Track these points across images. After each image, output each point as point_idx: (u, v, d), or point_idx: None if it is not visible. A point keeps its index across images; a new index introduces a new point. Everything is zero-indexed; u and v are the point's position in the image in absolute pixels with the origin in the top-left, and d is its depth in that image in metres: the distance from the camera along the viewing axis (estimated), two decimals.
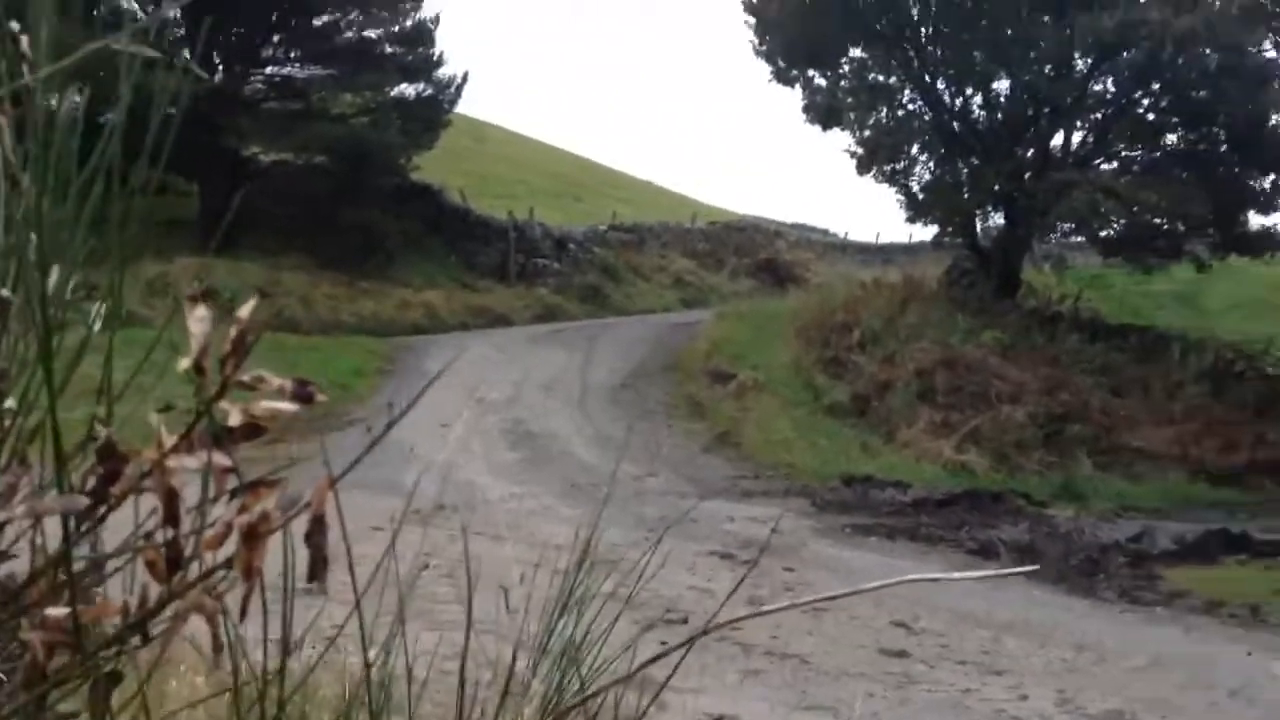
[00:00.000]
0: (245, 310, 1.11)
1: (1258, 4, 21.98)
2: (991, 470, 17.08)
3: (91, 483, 1.09)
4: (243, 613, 1.13)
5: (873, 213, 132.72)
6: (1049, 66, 22.92)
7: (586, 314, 29.05)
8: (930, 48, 24.00)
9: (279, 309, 23.49)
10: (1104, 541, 12.11)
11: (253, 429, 1.09)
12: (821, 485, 15.06)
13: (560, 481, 13.73)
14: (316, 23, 27.76)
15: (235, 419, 1.08)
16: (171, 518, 1.06)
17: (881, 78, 24.67)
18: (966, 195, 24.31)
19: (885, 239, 43.48)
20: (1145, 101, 23.65)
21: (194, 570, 1.09)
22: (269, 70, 28.43)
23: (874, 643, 7.76)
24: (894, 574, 10.69)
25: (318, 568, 1.10)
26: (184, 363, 1.07)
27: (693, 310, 29.67)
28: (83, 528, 1.10)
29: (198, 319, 1.08)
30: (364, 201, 27.16)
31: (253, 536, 1.05)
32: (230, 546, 1.07)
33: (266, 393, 1.09)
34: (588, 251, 31.90)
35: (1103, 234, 24.30)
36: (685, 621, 7.89)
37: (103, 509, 1.09)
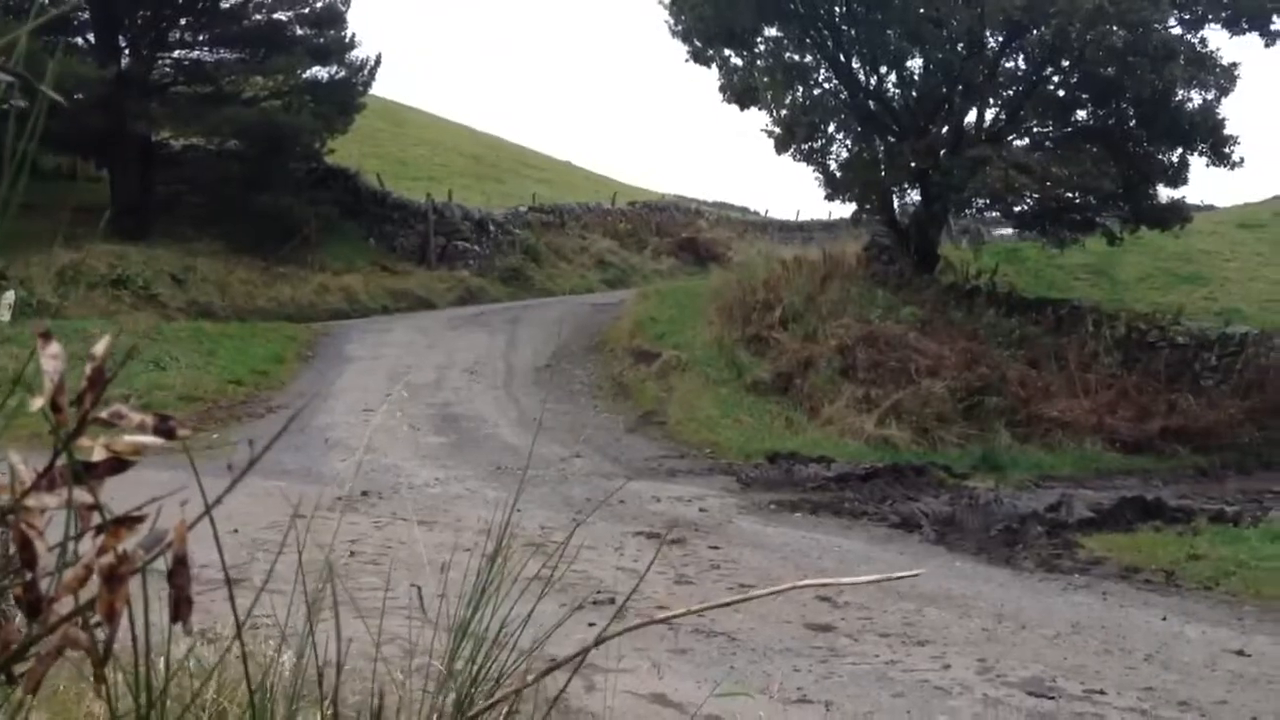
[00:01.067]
0: (100, 346, 1.07)
1: None
2: (913, 444, 17.30)
3: None
4: (105, 656, 1.09)
5: (792, 190, 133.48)
6: (961, 45, 23.16)
7: (508, 296, 28.93)
8: (844, 27, 24.13)
9: (193, 297, 23.09)
10: (1022, 511, 12.33)
11: (116, 464, 1.05)
12: (746, 463, 15.15)
13: (486, 465, 13.66)
14: (224, 4, 27.19)
15: (98, 454, 1.04)
16: (28, 561, 1.02)
17: (797, 57, 24.76)
18: (883, 173, 24.51)
19: (805, 216, 43.89)
20: (1055, 79, 24.00)
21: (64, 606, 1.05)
22: (177, 54, 27.81)
23: (799, 618, 7.83)
24: (818, 549, 10.83)
25: (181, 609, 1.07)
26: (37, 402, 1.03)
27: (615, 290, 29.69)
28: None
29: (50, 356, 1.04)
30: (278, 186, 26.78)
31: (114, 578, 1.02)
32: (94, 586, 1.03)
33: (128, 428, 1.05)
34: (508, 233, 31.74)
35: (1017, 209, 24.67)
36: (613, 602, 7.90)
37: None
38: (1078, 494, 13.84)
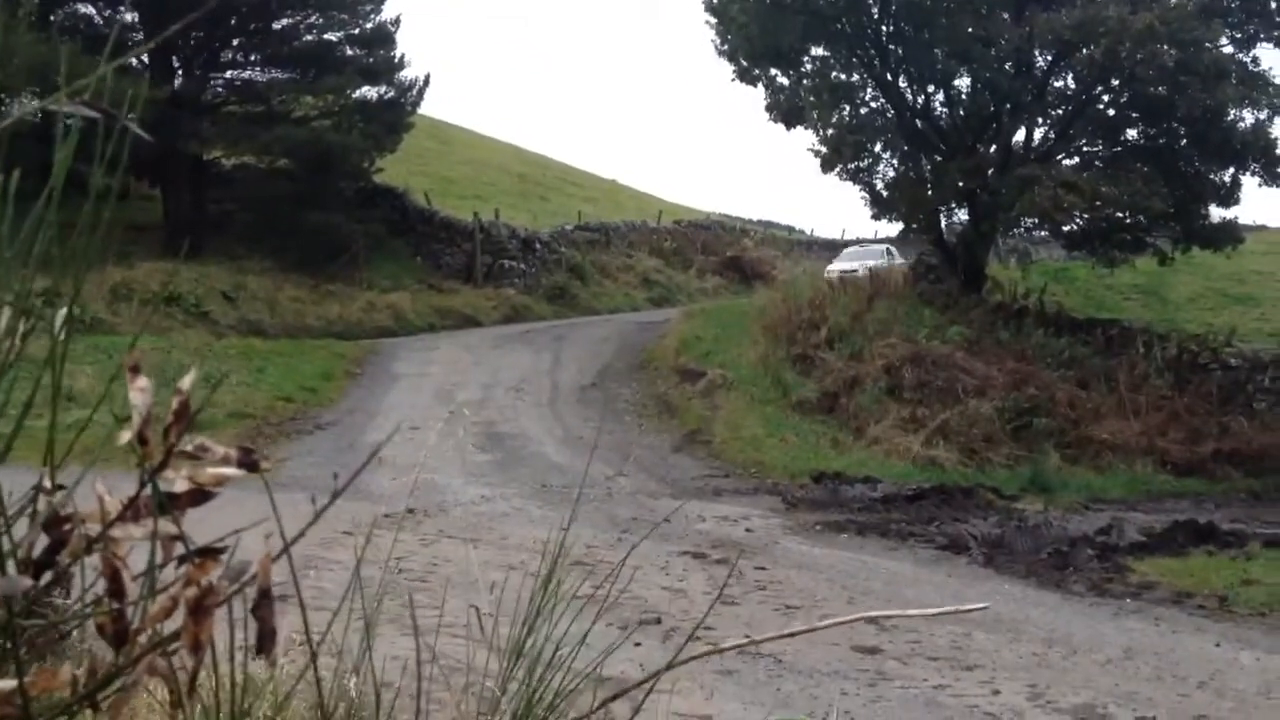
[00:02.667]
0: (186, 381, 1.10)
1: (1214, 1, 22.24)
2: (960, 465, 17.17)
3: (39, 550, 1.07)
4: (190, 687, 1.11)
5: (837, 209, 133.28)
6: (1009, 64, 23.09)
7: (554, 314, 29.03)
8: (891, 46, 24.11)
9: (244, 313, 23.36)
10: (1073, 534, 12.20)
11: (199, 495, 1.07)
12: (791, 483, 15.09)
13: (531, 483, 13.70)
14: (276, 26, 27.59)
15: (181, 486, 1.06)
16: (117, 592, 1.05)
17: (844, 76, 24.77)
18: (930, 192, 24.44)
19: (851, 235, 43.77)
20: (1105, 98, 23.86)
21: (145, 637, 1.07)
22: (229, 74, 28.23)
23: (847, 640, 7.77)
24: (864, 571, 10.76)
25: (266, 641, 1.08)
26: (125, 435, 1.05)
27: (660, 309, 29.72)
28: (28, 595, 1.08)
29: (138, 390, 1.07)
30: (328, 204, 27.05)
31: (199, 610, 1.04)
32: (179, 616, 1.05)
33: (212, 461, 1.08)
34: (554, 251, 31.87)
35: (1066, 228, 24.48)
36: (659, 622, 7.90)
37: (49, 577, 1.07)
38: (1128, 517, 13.67)
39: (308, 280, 25.77)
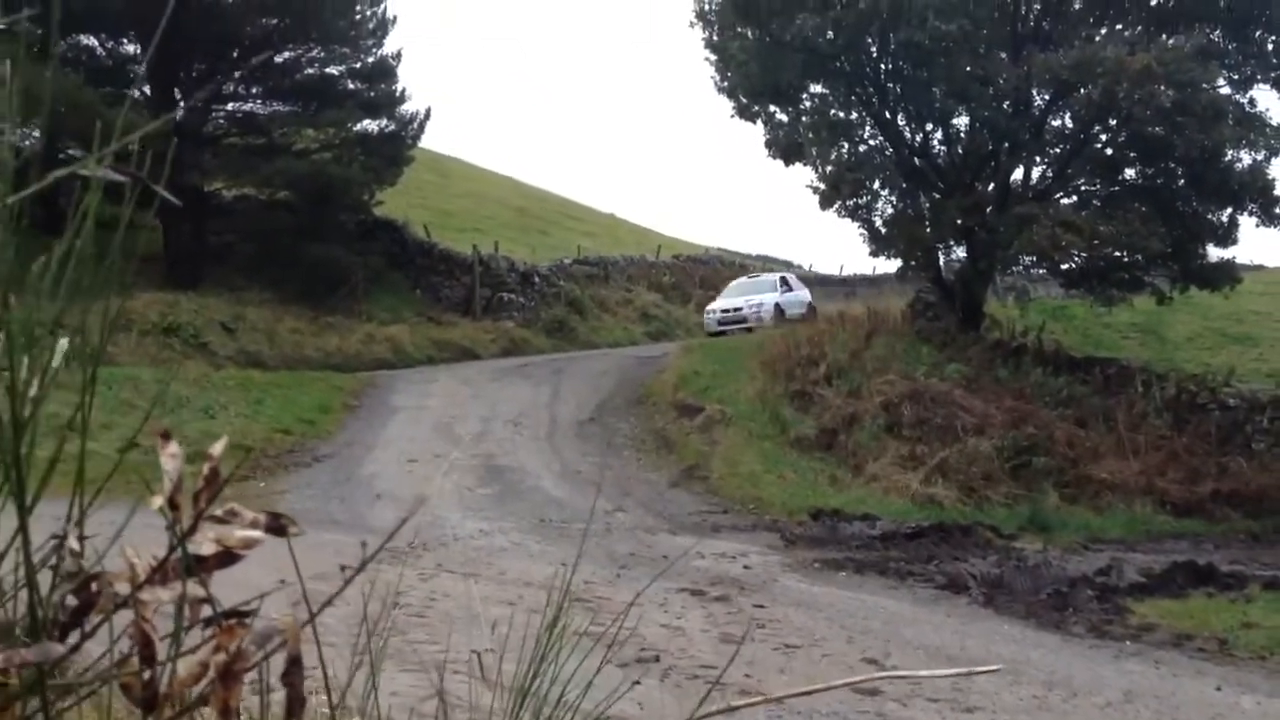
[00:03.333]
0: (217, 448, 1.10)
1: (1211, 42, 22.39)
2: (959, 503, 17.14)
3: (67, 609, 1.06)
4: None
5: (836, 245, 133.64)
6: (1007, 103, 23.22)
7: (552, 347, 29.05)
8: (890, 85, 24.26)
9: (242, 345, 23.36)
10: (1072, 575, 12.16)
11: (226, 557, 1.07)
12: (790, 519, 15.05)
13: (530, 517, 13.66)
14: (278, 59, 27.73)
15: (208, 549, 1.07)
16: (148, 657, 1.04)
17: (842, 114, 24.88)
18: (928, 229, 24.50)
19: (849, 271, 43.87)
20: (1103, 137, 23.98)
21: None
22: (231, 106, 28.37)
23: (845, 679, 7.72)
24: (863, 610, 10.72)
25: (294, 707, 1.08)
26: (157, 500, 1.06)
27: (658, 343, 29.75)
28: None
29: (169, 456, 1.07)
30: (328, 237, 27.12)
31: (228, 676, 1.04)
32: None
33: (241, 525, 1.08)
34: (553, 285, 31.95)
35: (1064, 267, 24.53)
36: (657, 660, 7.85)
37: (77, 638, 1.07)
38: (1127, 557, 13.64)
39: (307, 312, 25.80)
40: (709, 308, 32.37)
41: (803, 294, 33.51)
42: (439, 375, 23.52)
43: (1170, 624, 10.19)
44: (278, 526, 1.08)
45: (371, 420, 18.90)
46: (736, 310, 31.40)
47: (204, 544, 1.07)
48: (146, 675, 1.05)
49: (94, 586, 1.06)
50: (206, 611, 1.09)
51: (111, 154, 1.15)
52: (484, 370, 24.39)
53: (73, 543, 1.09)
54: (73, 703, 1.12)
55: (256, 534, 1.08)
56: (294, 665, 1.07)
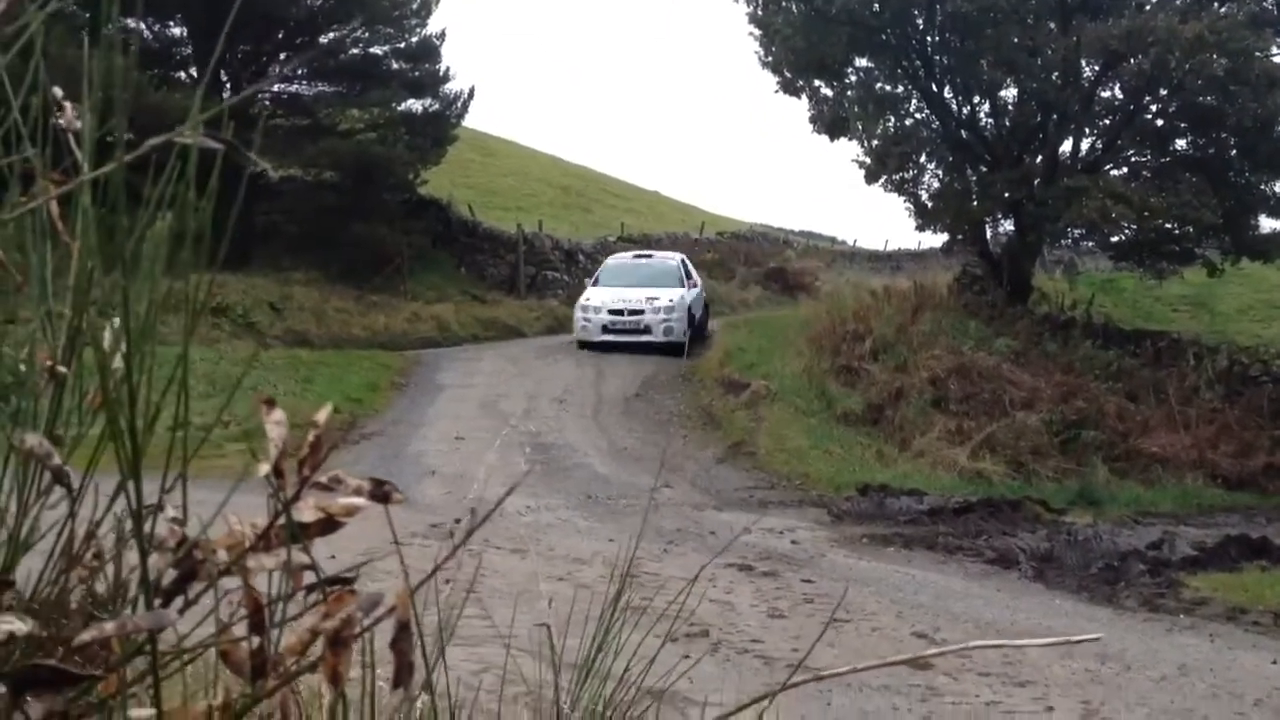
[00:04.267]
0: (322, 415, 1.12)
1: (1264, 9, 22.00)
2: (1007, 478, 17.04)
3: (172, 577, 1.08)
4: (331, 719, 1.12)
5: (881, 220, 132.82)
6: (1056, 74, 22.94)
7: None
8: (937, 57, 24.03)
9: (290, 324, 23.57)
10: (1123, 549, 12.05)
11: (328, 524, 1.09)
12: (837, 495, 15.02)
13: (576, 494, 13.71)
14: (323, 40, 27.84)
15: (310, 516, 1.08)
16: (258, 624, 1.06)
17: (888, 87, 24.71)
18: (975, 203, 24.30)
19: (894, 246, 43.56)
20: (1153, 108, 23.67)
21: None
22: (276, 87, 28.53)
23: (896, 654, 7.71)
24: (912, 584, 10.68)
25: (404, 675, 1.10)
26: (264, 468, 1.07)
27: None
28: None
29: (274, 422, 1.09)
30: (373, 216, 27.24)
31: (338, 642, 1.05)
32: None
33: (345, 492, 1.09)
34: (597, 263, 31.94)
35: (1114, 239, 24.29)
36: (706, 634, 7.88)
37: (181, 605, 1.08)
38: (1179, 531, 13.50)
39: (353, 291, 25.97)
40: (584, 302, 23.39)
41: (698, 293, 24.67)
42: (484, 353, 23.62)
43: (1224, 597, 10.08)
44: (382, 494, 1.10)
45: (418, 398, 19.02)
46: (635, 314, 22.73)
47: (306, 511, 1.08)
48: (255, 642, 1.06)
49: (197, 554, 1.08)
50: (309, 579, 1.10)
51: (203, 122, 1.16)
52: (529, 348, 24.46)
53: (172, 511, 1.11)
54: (177, 669, 1.14)
55: (360, 501, 1.09)
56: (403, 632, 1.08)
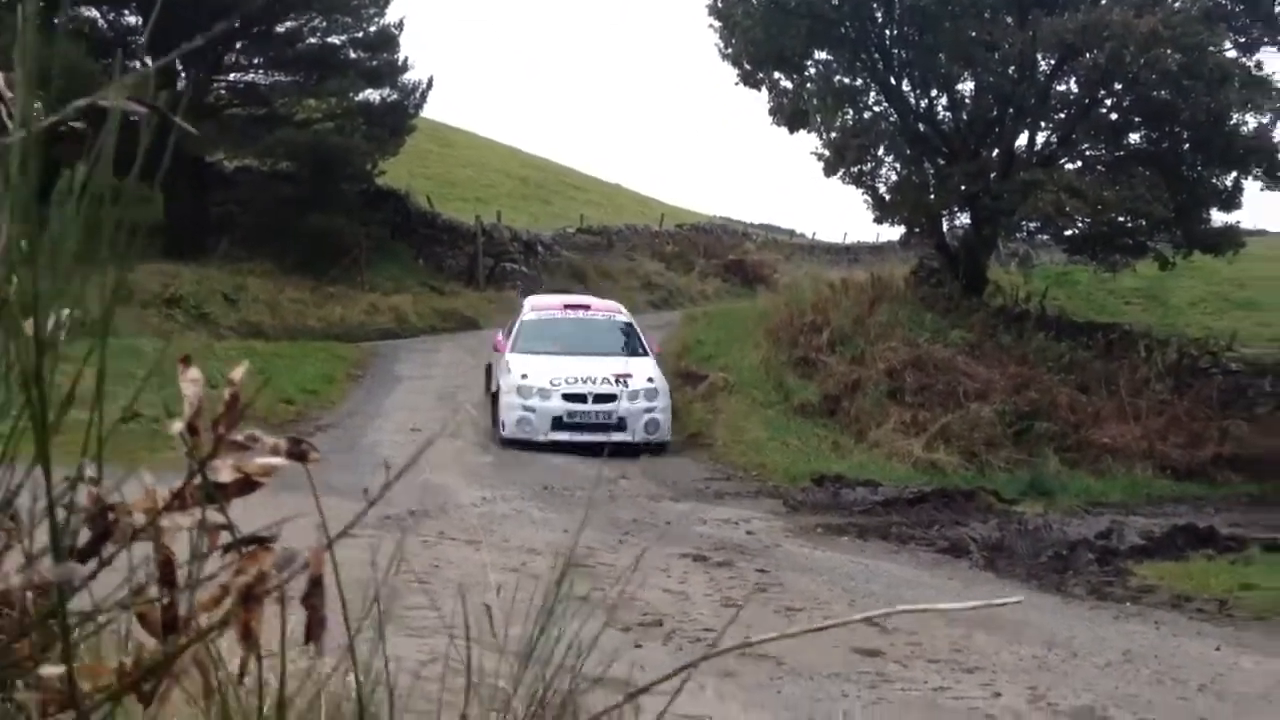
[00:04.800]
0: (238, 373, 1.11)
1: (1217, 4, 22.26)
2: (961, 468, 17.20)
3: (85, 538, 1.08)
4: (241, 675, 1.12)
5: (839, 212, 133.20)
6: (1012, 68, 23.10)
7: None
8: (895, 50, 24.14)
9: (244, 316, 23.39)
10: (1072, 538, 12.21)
11: (246, 484, 1.08)
12: (793, 485, 15.11)
13: (532, 485, 13.71)
14: (279, 29, 27.58)
15: (227, 475, 1.08)
16: (168, 580, 1.06)
17: (847, 80, 24.77)
18: (933, 196, 24.44)
19: (852, 239, 43.73)
20: (1108, 102, 23.88)
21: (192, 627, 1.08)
22: (232, 76, 28.25)
23: (846, 643, 7.78)
24: (865, 573, 10.76)
25: (315, 629, 1.10)
26: (176, 425, 1.07)
27: (662, 312, 29.70)
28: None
29: (190, 381, 1.09)
30: (330, 207, 27.04)
31: (250, 598, 1.05)
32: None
33: (262, 451, 1.09)
34: (556, 254, 31.91)
35: (1068, 233, 24.49)
36: (660, 624, 7.91)
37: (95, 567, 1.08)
38: (1128, 520, 13.68)
39: (309, 282, 25.79)
40: (516, 380, 16.25)
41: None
42: (443, 345, 23.55)
43: (1170, 585, 10.24)
44: (299, 452, 1.10)
45: (375, 390, 18.95)
46: (604, 402, 16.16)
47: (223, 470, 1.08)
48: (166, 600, 1.07)
49: (111, 515, 1.08)
50: (226, 539, 1.11)
51: (129, 85, 1.16)
52: (488, 340, 24.37)
53: (90, 471, 1.10)
54: (92, 631, 1.14)
55: (277, 460, 1.09)
56: (315, 587, 1.08)
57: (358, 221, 27.99)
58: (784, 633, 2.08)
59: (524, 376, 16.26)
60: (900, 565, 10.91)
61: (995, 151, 24.36)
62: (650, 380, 16.63)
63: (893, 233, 28.07)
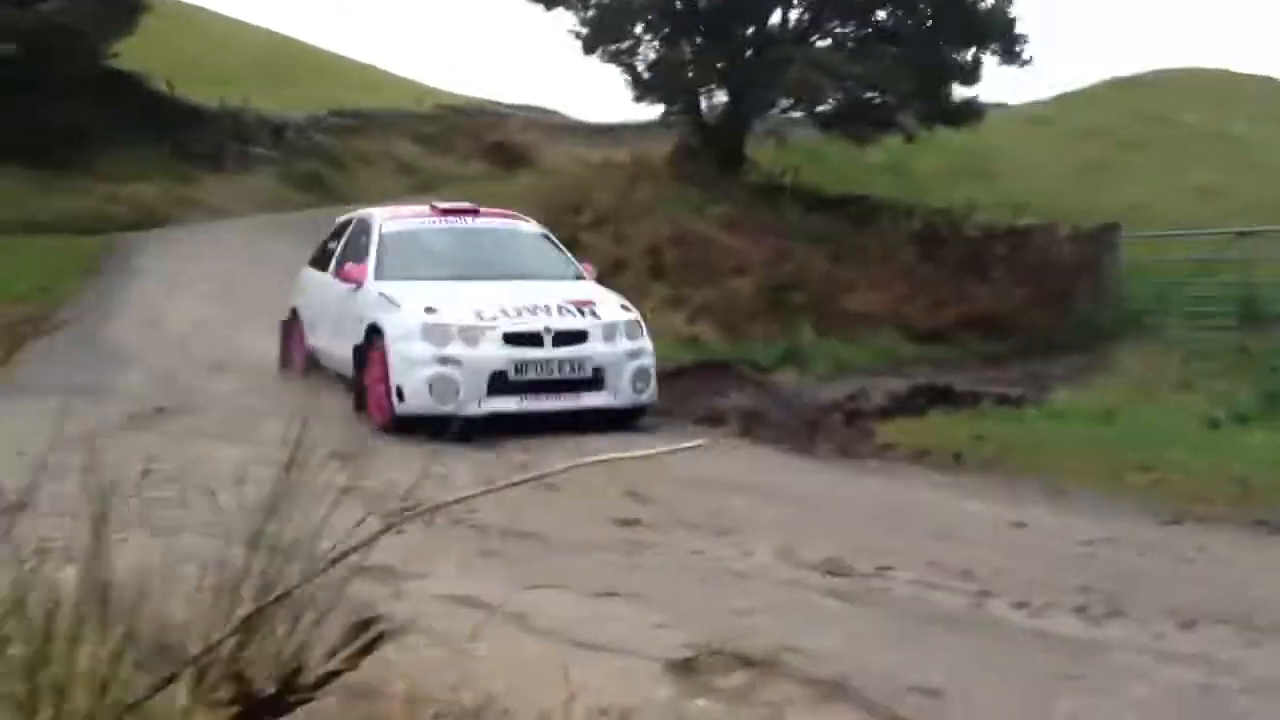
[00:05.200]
0: None
1: None
2: (721, 341, 17.59)
3: None
4: None
5: (601, 92, 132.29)
6: None
7: (308, 203, 27.91)
8: None
9: None
10: (823, 402, 12.72)
11: None
12: None
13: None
14: None
15: None
16: None
17: None
18: (691, 74, 24.60)
19: (615, 119, 43.57)
20: None
21: None
22: None
23: (606, 515, 7.93)
24: (627, 448, 10.90)
25: None
26: None
27: (422, 196, 29.00)
28: None
29: None
30: (58, 91, 25.16)
31: None
32: None
33: None
34: (308, 139, 30.71)
35: (819, 109, 25.12)
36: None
37: None
38: (875, 383, 14.31)
39: (37, 173, 24.02)
40: (423, 318, 10.59)
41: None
42: (188, 235, 22.41)
43: (910, 442, 10.77)
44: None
45: (114, 284, 17.96)
46: (568, 343, 10.95)
47: None
48: None
49: None
50: None
51: None
52: (235, 228, 23.35)
53: None
54: None
55: None
56: None
57: (90, 106, 26.14)
58: (483, 489, 2.04)
59: (430, 311, 10.62)
60: (655, 437, 11.09)
61: (750, 29, 24.63)
62: (626, 309, 11.77)
63: (653, 112, 28.10)
